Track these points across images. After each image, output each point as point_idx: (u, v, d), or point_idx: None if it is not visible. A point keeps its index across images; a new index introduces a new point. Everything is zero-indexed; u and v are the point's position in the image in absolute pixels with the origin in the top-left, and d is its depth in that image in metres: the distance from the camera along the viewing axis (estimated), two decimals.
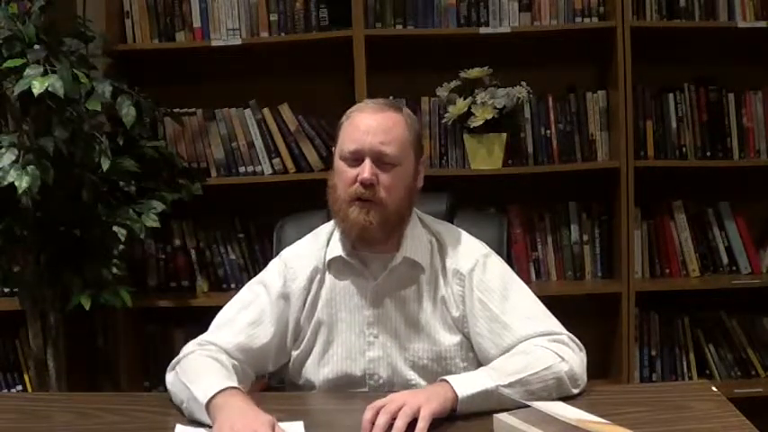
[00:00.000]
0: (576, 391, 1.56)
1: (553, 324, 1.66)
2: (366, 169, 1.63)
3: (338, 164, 1.68)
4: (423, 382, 1.67)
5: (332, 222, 1.76)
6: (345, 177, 1.66)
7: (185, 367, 1.58)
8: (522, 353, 1.59)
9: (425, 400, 1.40)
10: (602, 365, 3.00)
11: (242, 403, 1.42)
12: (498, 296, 1.68)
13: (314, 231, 1.81)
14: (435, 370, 1.68)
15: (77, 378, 2.75)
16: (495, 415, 1.39)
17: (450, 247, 1.74)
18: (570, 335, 1.64)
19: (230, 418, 1.37)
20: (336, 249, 1.72)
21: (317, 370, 1.72)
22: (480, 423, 1.42)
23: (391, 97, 2.84)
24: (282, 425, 1.39)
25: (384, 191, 1.64)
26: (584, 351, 1.63)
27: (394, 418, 1.36)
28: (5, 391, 2.96)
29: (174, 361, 1.63)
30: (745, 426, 1.38)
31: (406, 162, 1.68)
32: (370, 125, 1.65)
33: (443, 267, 1.72)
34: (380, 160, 1.64)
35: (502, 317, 1.65)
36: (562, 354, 1.56)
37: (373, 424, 1.36)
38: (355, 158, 1.65)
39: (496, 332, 1.65)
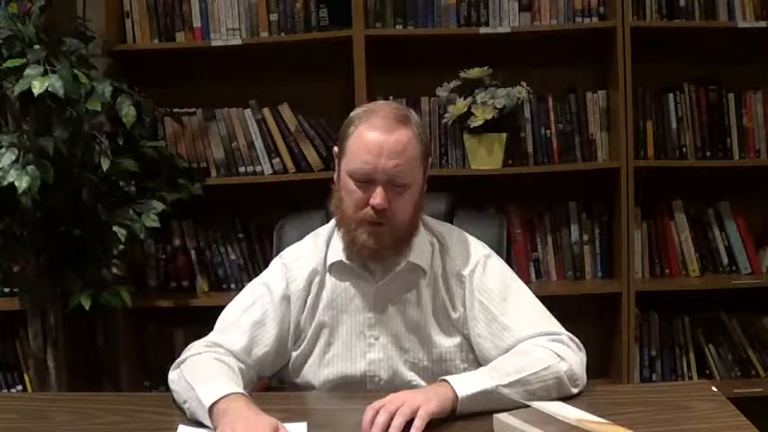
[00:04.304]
0: (575, 390, 1.56)
1: (553, 324, 1.66)
2: (378, 195, 1.59)
3: (346, 180, 1.64)
4: (423, 384, 1.66)
5: (331, 224, 1.76)
6: (355, 198, 1.63)
7: (192, 367, 1.57)
8: (521, 353, 1.59)
9: (425, 400, 1.40)
10: (602, 365, 3.00)
11: (245, 408, 1.41)
12: (498, 297, 1.68)
13: (313, 232, 1.81)
14: (435, 371, 1.68)
15: (77, 378, 2.74)
16: (495, 415, 1.39)
17: (450, 248, 1.74)
18: (570, 335, 1.64)
19: (232, 423, 1.36)
20: (337, 253, 1.71)
21: (318, 371, 1.71)
22: (480, 423, 1.42)
23: (391, 97, 2.85)
24: (286, 425, 1.39)
25: (395, 213, 1.62)
26: (584, 351, 1.63)
27: (393, 418, 1.36)
28: (5, 391, 2.96)
29: (178, 360, 1.63)
30: (745, 426, 1.38)
31: (417, 179, 1.66)
32: (382, 147, 1.59)
33: (444, 269, 1.72)
34: (393, 183, 1.61)
35: (502, 318, 1.66)
36: (561, 353, 1.56)
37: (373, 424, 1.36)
38: (366, 180, 1.61)
39: (496, 333, 1.65)
